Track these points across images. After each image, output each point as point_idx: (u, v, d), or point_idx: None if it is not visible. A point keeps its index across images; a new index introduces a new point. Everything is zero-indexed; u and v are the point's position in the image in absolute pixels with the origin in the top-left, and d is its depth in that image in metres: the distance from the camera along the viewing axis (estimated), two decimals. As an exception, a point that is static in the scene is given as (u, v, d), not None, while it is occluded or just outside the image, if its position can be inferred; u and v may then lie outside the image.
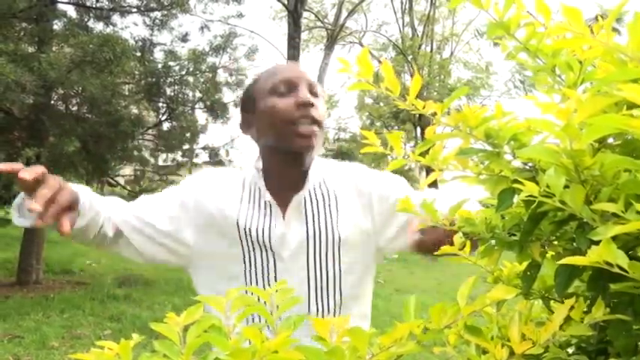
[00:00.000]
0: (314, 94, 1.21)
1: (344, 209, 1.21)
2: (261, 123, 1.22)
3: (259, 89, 1.23)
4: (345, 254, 1.19)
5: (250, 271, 1.19)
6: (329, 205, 1.21)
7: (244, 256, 1.20)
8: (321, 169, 1.26)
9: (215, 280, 1.23)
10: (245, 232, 1.19)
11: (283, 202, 1.20)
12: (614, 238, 0.41)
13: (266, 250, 1.19)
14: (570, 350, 0.58)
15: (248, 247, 1.20)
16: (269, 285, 1.19)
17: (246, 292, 0.85)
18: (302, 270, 1.18)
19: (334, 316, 1.18)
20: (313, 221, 1.19)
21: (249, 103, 1.26)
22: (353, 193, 1.23)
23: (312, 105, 1.17)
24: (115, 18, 7.88)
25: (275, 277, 1.19)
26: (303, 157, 1.19)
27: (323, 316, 1.18)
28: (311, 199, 1.21)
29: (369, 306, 1.28)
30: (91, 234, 1.15)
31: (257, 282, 1.19)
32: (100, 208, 1.15)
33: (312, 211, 1.20)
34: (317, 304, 1.18)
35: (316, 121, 1.18)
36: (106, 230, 1.18)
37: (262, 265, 1.19)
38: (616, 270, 0.40)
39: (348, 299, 1.21)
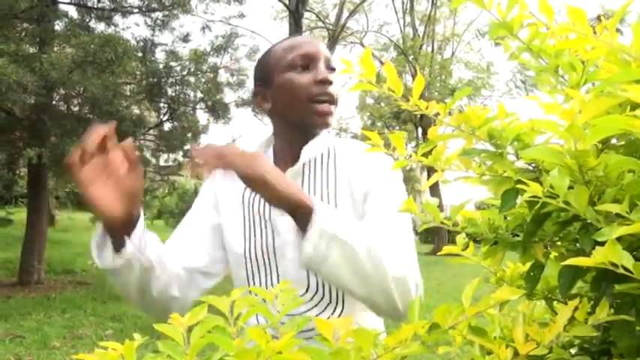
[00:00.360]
0: (331, 68, 1.20)
1: (343, 187, 1.18)
2: (278, 98, 1.21)
3: (276, 63, 1.21)
4: None
5: (250, 249, 1.19)
6: (327, 180, 1.19)
7: (245, 233, 1.21)
8: (328, 143, 1.24)
9: (235, 272, 1.24)
10: (248, 203, 1.20)
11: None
12: (619, 239, 0.41)
13: (265, 223, 1.19)
14: (573, 351, 0.58)
15: (250, 221, 1.20)
16: (268, 260, 1.18)
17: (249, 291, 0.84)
18: (298, 245, 1.16)
19: (336, 293, 1.15)
20: (309, 193, 1.14)
21: (265, 77, 1.24)
22: (356, 177, 1.19)
23: (330, 82, 1.16)
24: (117, 18, 7.91)
25: (274, 252, 1.18)
26: (313, 133, 1.20)
27: (323, 293, 1.14)
28: (309, 171, 1.20)
29: None
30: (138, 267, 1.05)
31: (257, 260, 1.19)
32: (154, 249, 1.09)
33: (309, 183, 1.18)
34: (317, 280, 1.15)
35: (334, 100, 1.17)
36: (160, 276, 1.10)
37: (261, 240, 1.19)
38: (621, 271, 0.40)
39: None
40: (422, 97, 0.67)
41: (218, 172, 1.31)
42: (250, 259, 1.20)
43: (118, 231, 1.00)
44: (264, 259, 1.19)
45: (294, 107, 1.18)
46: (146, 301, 1.13)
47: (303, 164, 1.19)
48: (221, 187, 1.28)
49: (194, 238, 1.25)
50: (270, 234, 1.19)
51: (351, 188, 1.18)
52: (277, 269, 1.18)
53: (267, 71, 1.23)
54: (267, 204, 1.17)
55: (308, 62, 1.18)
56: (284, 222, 1.16)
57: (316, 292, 1.15)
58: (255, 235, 1.20)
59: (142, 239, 1.04)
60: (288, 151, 1.22)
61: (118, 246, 1.00)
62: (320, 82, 1.15)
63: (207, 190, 1.30)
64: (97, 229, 1.04)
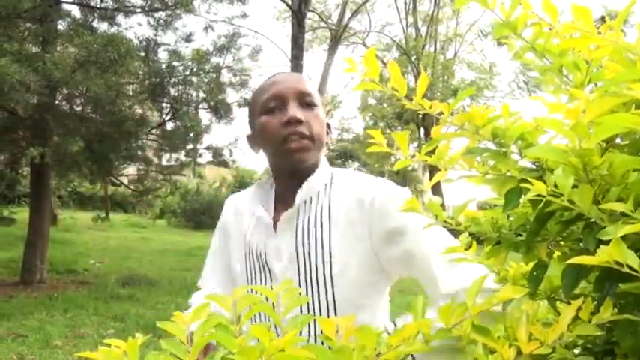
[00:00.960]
0: (307, 104, 1.17)
1: (339, 223, 1.14)
2: (260, 142, 1.22)
3: (254, 106, 1.22)
4: (340, 272, 1.12)
5: (252, 289, 1.21)
6: (321, 219, 1.16)
7: (247, 275, 1.24)
8: (326, 178, 1.21)
9: None
10: (249, 246, 1.23)
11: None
12: (623, 238, 0.41)
13: (262, 266, 1.20)
14: (576, 351, 0.58)
15: (251, 263, 1.22)
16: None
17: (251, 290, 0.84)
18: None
19: None
20: (303, 236, 1.15)
21: (250, 121, 1.26)
22: (353, 207, 1.15)
23: (299, 121, 1.14)
24: (120, 18, 7.90)
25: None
26: (300, 172, 1.18)
27: (315, 340, 1.09)
28: (304, 212, 1.18)
29: (374, 322, 1.14)
30: None
31: None
32: None
33: (303, 225, 1.17)
34: (309, 327, 1.11)
35: (307, 136, 1.15)
36: None
37: (261, 283, 1.21)
38: (625, 270, 0.40)
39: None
40: (424, 97, 0.67)
41: (229, 203, 1.36)
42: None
43: None
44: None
45: (271, 151, 1.19)
46: None
47: (299, 206, 1.18)
48: (230, 220, 1.33)
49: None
50: (269, 277, 1.20)
51: (352, 216, 1.14)
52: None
53: (251, 115, 1.25)
54: (264, 247, 1.20)
55: (279, 103, 1.17)
56: (280, 266, 1.18)
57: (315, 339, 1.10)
58: (254, 279, 1.22)
59: None
60: (284, 193, 1.23)
61: None
62: (287, 122, 1.14)
63: (220, 219, 1.36)
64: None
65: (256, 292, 0.66)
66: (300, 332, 1.15)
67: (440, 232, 1.03)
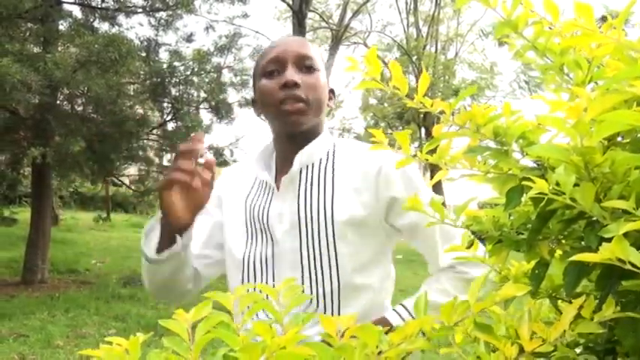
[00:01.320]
0: (307, 67, 1.18)
1: (342, 190, 1.15)
2: (259, 105, 1.24)
3: (256, 69, 1.25)
4: (342, 238, 1.13)
5: (249, 256, 1.20)
6: (324, 185, 1.17)
7: (247, 240, 1.22)
8: (328, 146, 1.22)
9: (231, 274, 1.27)
10: (250, 211, 1.22)
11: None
12: (625, 236, 0.41)
13: (263, 230, 1.20)
14: (578, 350, 0.58)
15: (252, 228, 1.21)
16: (266, 267, 1.19)
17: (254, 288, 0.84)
18: (294, 252, 1.15)
19: (331, 305, 1.15)
20: (305, 200, 1.16)
21: (254, 84, 1.28)
22: (358, 175, 1.17)
23: (296, 84, 1.15)
24: (121, 18, 7.91)
25: (272, 259, 1.18)
26: (296, 135, 1.19)
27: (317, 303, 1.14)
28: (306, 177, 1.19)
29: (378, 302, 1.18)
30: (179, 262, 1.18)
31: (254, 267, 1.20)
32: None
33: (305, 190, 1.17)
34: (311, 289, 1.14)
35: (302, 99, 1.16)
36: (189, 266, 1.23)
37: (261, 248, 1.20)
38: (628, 267, 0.40)
39: (347, 289, 1.14)
40: (425, 97, 0.67)
41: (226, 172, 1.34)
42: (248, 264, 1.21)
43: (173, 231, 1.11)
44: (261, 266, 1.19)
45: (269, 114, 1.21)
46: (166, 288, 1.23)
47: (300, 170, 1.19)
48: (227, 188, 1.31)
49: (198, 231, 1.29)
50: (270, 241, 1.19)
51: (357, 184, 1.16)
52: (274, 276, 1.18)
53: (254, 78, 1.27)
54: (266, 211, 1.20)
55: (278, 66, 1.18)
56: (281, 230, 1.18)
57: (310, 303, 1.14)
58: (255, 242, 1.21)
59: (189, 239, 1.15)
60: (284, 158, 1.23)
61: (168, 241, 1.12)
62: (284, 85, 1.15)
63: (215, 192, 1.31)
64: (152, 222, 1.16)
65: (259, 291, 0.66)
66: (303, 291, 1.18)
67: None
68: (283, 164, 1.23)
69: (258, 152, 1.28)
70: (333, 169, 1.19)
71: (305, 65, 1.18)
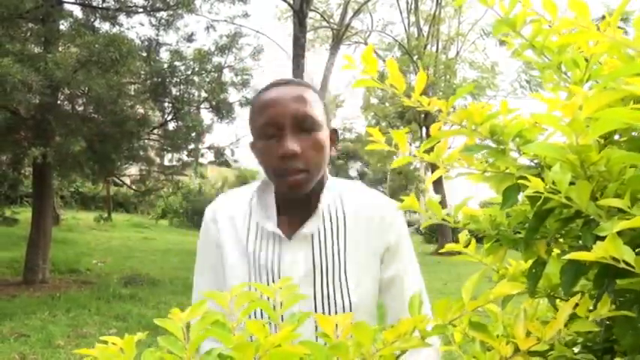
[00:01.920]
0: (304, 129, 1.12)
1: (353, 238, 1.18)
2: (257, 157, 1.20)
3: (253, 123, 1.18)
4: (355, 288, 1.16)
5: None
6: (337, 233, 1.18)
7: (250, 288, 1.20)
8: (336, 192, 1.23)
9: None
10: (256, 260, 1.19)
11: (292, 229, 1.19)
12: (621, 234, 0.41)
13: (273, 278, 1.18)
14: (576, 349, 0.58)
15: (257, 277, 1.19)
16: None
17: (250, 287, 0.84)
18: (308, 300, 1.15)
19: None
20: (320, 252, 1.17)
21: (250, 131, 1.21)
22: (364, 222, 1.19)
23: (295, 155, 1.10)
24: (121, 18, 7.92)
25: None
26: (298, 197, 1.17)
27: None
28: (319, 228, 1.18)
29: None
30: None
31: (262, 317, 1.17)
32: None
33: (320, 241, 1.17)
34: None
35: (302, 170, 1.12)
36: None
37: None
38: (622, 265, 0.40)
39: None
40: (426, 96, 0.67)
41: (219, 208, 1.27)
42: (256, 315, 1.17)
43: None
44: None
45: (268, 173, 1.18)
46: None
47: (313, 230, 1.18)
48: (224, 233, 1.24)
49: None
50: None
51: (364, 231, 1.19)
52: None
53: (250, 127, 1.20)
54: (276, 261, 1.17)
55: (275, 130, 1.12)
56: (296, 278, 1.14)
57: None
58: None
59: None
60: (286, 204, 1.21)
61: None
62: (284, 157, 1.10)
63: (208, 232, 1.27)
64: None
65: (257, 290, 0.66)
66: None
67: (418, 271, 1.23)
68: (286, 208, 1.21)
69: (254, 191, 1.24)
70: (345, 218, 1.20)
71: (304, 128, 1.12)
